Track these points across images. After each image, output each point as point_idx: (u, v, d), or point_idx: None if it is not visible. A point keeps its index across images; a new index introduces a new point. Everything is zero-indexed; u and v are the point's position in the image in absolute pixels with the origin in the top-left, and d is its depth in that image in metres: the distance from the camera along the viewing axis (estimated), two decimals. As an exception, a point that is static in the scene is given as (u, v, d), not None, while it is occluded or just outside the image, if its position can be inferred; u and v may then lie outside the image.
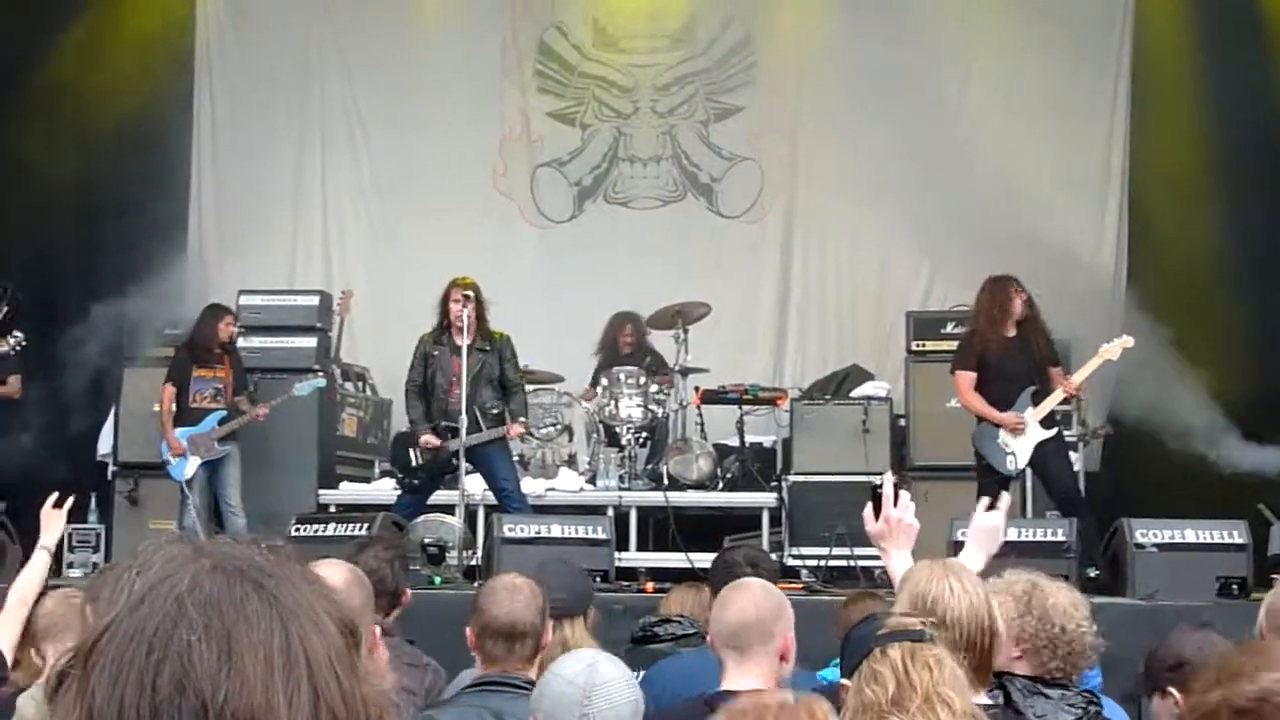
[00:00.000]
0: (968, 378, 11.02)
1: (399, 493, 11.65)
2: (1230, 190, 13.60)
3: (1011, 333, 10.98)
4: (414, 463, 11.26)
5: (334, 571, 4.40)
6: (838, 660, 5.59)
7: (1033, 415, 10.79)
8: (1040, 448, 10.79)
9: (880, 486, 4.18)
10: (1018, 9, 14.94)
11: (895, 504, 4.14)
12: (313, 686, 1.52)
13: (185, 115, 15.41)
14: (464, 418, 10.84)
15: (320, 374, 12.73)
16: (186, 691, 1.48)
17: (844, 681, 3.44)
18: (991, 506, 4.49)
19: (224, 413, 12.05)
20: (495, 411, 11.26)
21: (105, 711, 1.48)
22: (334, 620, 1.57)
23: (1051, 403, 10.82)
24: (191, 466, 11.90)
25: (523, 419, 11.46)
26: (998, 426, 10.85)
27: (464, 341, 10.99)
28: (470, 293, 11.16)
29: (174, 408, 12.07)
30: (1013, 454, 10.74)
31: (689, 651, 5.61)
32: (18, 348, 12.00)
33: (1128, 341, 10.89)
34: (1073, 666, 4.44)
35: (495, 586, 4.84)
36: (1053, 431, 10.85)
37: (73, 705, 1.51)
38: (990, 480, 10.84)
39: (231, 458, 12.08)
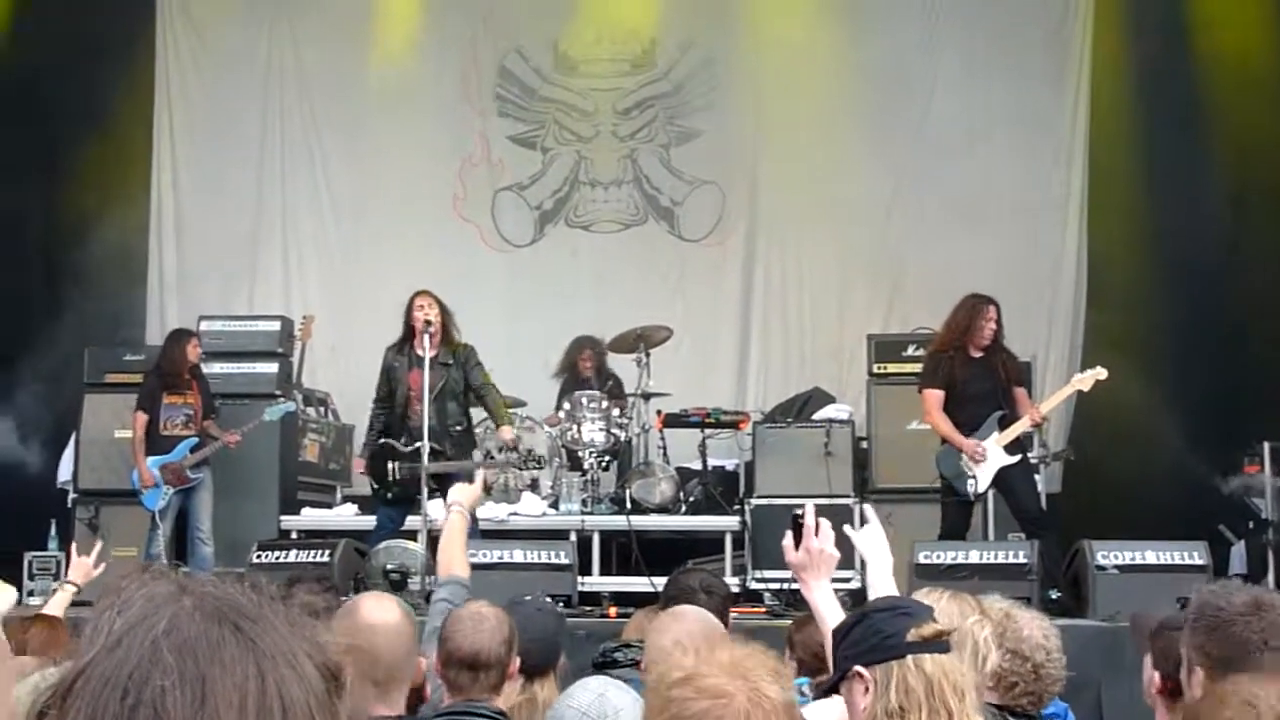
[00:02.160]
0: (935, 396, 10.99)
1: (379, 506, 11.54)
2: (1183, 208, 13.68)
3: (977, 355, 10.98)
4: (391, 477, 11.19)
5: (384, 607, 4.37)
6: (804, 680, 5.60)
7: (997, 440, 10.78)
8: (1005, 470, 10.79)
9: (801, 516, 4.15)
10: (978, 34, 15.01)
11: (817, 534, 4.13)
12: None
13: (145, 141, 15.36)
14: (425, 442, 10.77)
15: (284, 399, 12.66)
16: None
17: (860, 670, 3.37)
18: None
19: (195, 439, 11.98)
20: (459, 429, 11.20)
21: None
22: (315, 664, 1.56)
23: (1017, 430, 10.82)
24: (165, 496, 11.83)
25: (507, 420, 11.34)
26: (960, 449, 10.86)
27: (426, 353, 10.86)
28: (433, 298, 11.11)
29: (144, 435, 11.99)
30: (974, 477, 10.73)
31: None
32: None
33: (1100, 373, 10.89)
34: (1040, 698, 4.45)
35: (461, 615, 4.83)
36: (1016, 458, 10.84)
37: None
38: (951, 501, 10.87)
39: (204, 484, 12.00)
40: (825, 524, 4.12)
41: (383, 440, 11.36)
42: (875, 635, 3.32)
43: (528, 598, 5.98)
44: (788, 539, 4.16)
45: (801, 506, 4.21)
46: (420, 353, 10.98)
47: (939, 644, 3.31)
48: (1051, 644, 4.47)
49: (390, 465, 11.20)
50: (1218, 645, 3.76)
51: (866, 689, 3.29)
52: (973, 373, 10.90)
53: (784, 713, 2.69)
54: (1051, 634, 4.54)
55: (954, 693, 3.28)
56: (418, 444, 10.89)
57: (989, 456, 10.73)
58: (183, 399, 12.08)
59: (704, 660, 2.74)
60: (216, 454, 12.05)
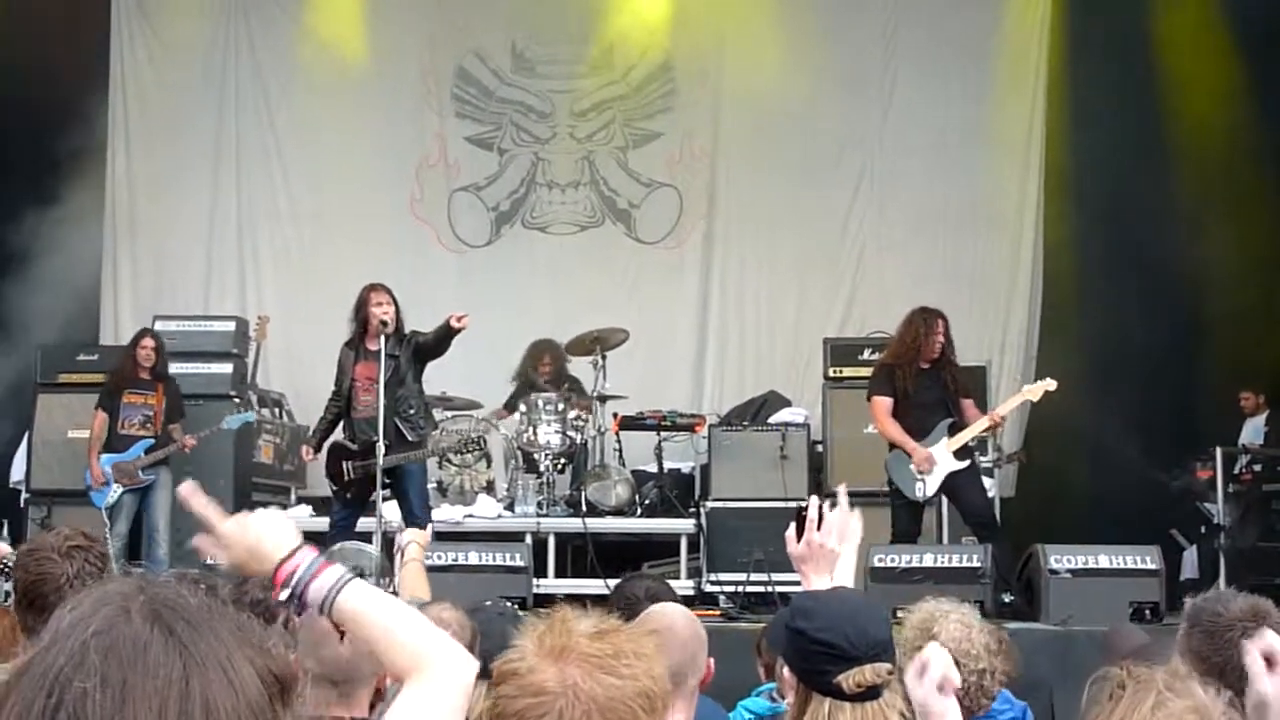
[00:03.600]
0: (884, 404, 11.03)
1: (335, 506, 11.48)
2: (1139, 217, 13.77)
3: (925, 366, 11.02)
4: (347, 475, 11.15)
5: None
6: (761, 689, 5.60)
7: (947, 445, 10.82)
8: (952, 475, 10.83)
9: (806, 509, 4.14)
10: (939, 41, 15.04)
11: (819, 528, 4.12)
12: None
13: (99, 139, 15.27)
14: (381, 438, 10.72)
15: (248, 408, 12.60)
16: None
17: (786, 675, 3.32)
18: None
19: (150, 441, 11.91)
20: (412, 412, 11.09)
21: None
22: (257, 670, 1.56)
23: (970, 434, 10.85)
24: (114, 495, 11.74)
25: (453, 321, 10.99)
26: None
27: (383, 349, 10.76)
28: (388, 293, 11.02)
29: (102, 434, 11.91)
30: (922, 481, 10.76)
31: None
32: None
33: (1050, 384, 10.93)
34: (975, 704, 4.45)
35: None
36: (965, 463, 10.88)
37: None
38: (901, 504, 10.90)
39: (162, 483, 11.89)
40: (829, 517, 4.11)
41: (336, 440, 11.32)
42: (804, 661, 3.26)
43: (488, 603, 5.94)
44: (790, 531, 4.15)
45: (808, 500, 4.19)
46: (373, 347, 10.92)
47: (869, 693, 3.27)
48: (976, 647, 4.48)
49: (345, 465, 11.15)
50: (1215, 650, 3.79)
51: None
52: (921, 383, 10.95)
53: (612, 706, 2.57)
54: (977, 638, 4.55)
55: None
56: (372, 439, 10.82)
57: (938, 462, 10.77)
58: (143, 399, 12.01)
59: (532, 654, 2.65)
60: (173, 456, 11.98)
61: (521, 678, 2.59)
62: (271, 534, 2.60)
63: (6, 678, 1.55)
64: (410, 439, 10.92)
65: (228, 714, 1.52)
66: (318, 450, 11.45)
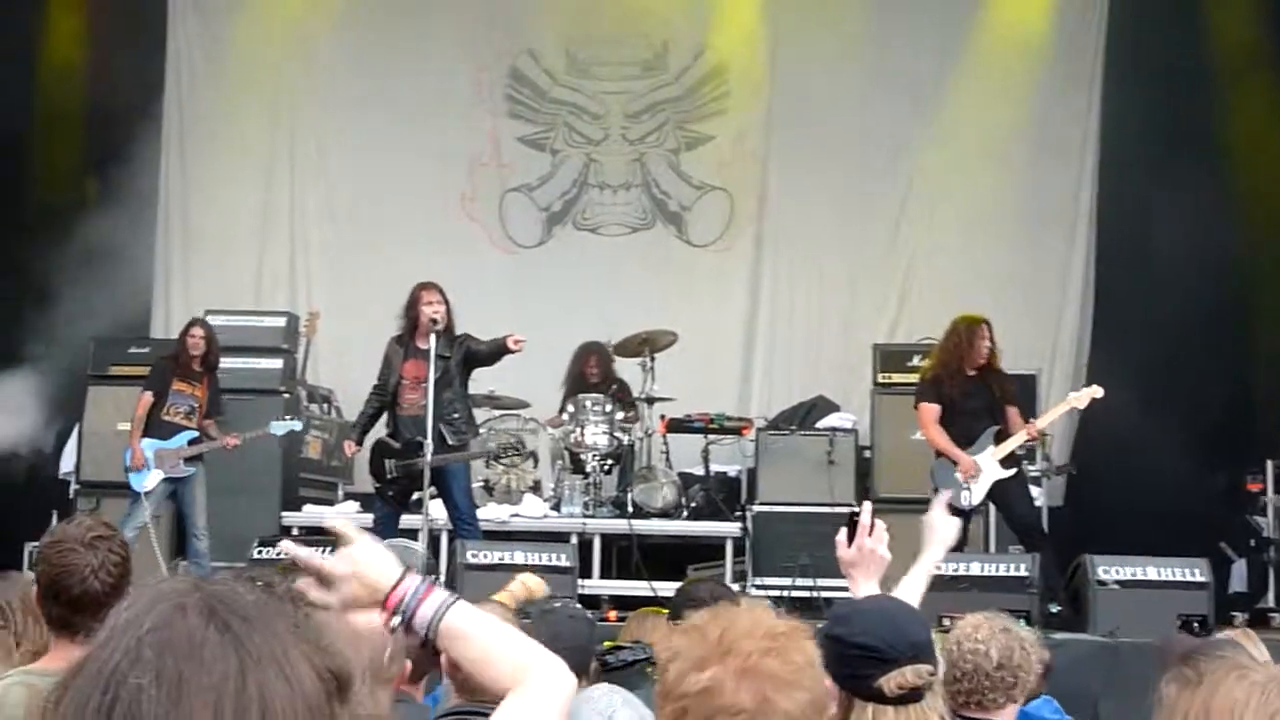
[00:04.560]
0: (931, 410, 11.01)
1: (378, 504, 11.52)
2: (1199, 226, 13.68)
3: (971, 374, 10.98)
4: (389, 474, 11.17)
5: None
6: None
7: (993, 454, 10.78)
8: (999, 483, 10.79)
9: (858, 514, 4.14)
10: (992, 46, 14.97)
11: (871, 534, 4.11)
12: None
13: (153, 136, 15.35)
14: (429, 439, 10.75)
15: (297, 405, 12.56)
16: None
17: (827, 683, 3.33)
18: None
19: (195, 434, 11.92)
20: (456, 416, 11.13)
21: None
22: (314, 667, 1.55)
23: (1013, 445, 10.81)
24: (153, 479, 11.69)
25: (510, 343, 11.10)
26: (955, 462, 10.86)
27: (432, 348, 10.83)
28: (440, 292, 11.09)
29: (145, 416, 11.88)
30: (968, 489, 10.73)
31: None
32: None
33: (1096, 392, 10.88)
34: (991, 702, 4.42)
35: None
36: (1011, 472, 10.84)
37: None
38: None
39: (197, 479, 11.90)
40: (880, 524, 4.11)
41: (380, 439, 11.34)
42: (844, 666, 3.21)
43: (558, 604, 5.94)
44: (841, 534, 4.15)
45: (861, 505, 4.19)
46: (423, 346, 10.95)
47: (911, 695, 3.27)
48: (977, 637, 4.47)
49: (388, 463, 11.18)
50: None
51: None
52: (967, 391, 10.92)
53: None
54: (985, 634, 4.53)
55: None
56: (415, 439, 10.86)
57: (984, 470, 10.73)
58: (191, 389, 12.00)
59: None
60: (212, 453, 11.99)
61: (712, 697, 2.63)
62: (377, 564, 2.58)
63: (64, 674, 1.55)
64: (451, 442, 10.94)
65: (284, 710, 1.51)
66: (359, 444, 11.50)
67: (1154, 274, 13.70)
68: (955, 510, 10.71)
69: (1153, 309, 13.63)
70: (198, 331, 12.14)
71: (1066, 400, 11.18)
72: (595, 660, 5.86)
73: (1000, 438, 10.80)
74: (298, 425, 12.45)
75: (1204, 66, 13.97)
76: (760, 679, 2.63)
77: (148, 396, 11.87)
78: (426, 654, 4.47)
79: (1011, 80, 14.91)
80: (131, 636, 1.52)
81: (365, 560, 2.56)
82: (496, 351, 11.06)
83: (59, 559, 4.00)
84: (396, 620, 2.53)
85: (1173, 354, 13.32)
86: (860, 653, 3.23)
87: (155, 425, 11.82)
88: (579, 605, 6.43)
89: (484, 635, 2.53)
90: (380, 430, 11.54)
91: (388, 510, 11.30)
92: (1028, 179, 14.92)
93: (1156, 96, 14.01)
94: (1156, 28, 14.17)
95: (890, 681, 3.19)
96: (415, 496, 11.13)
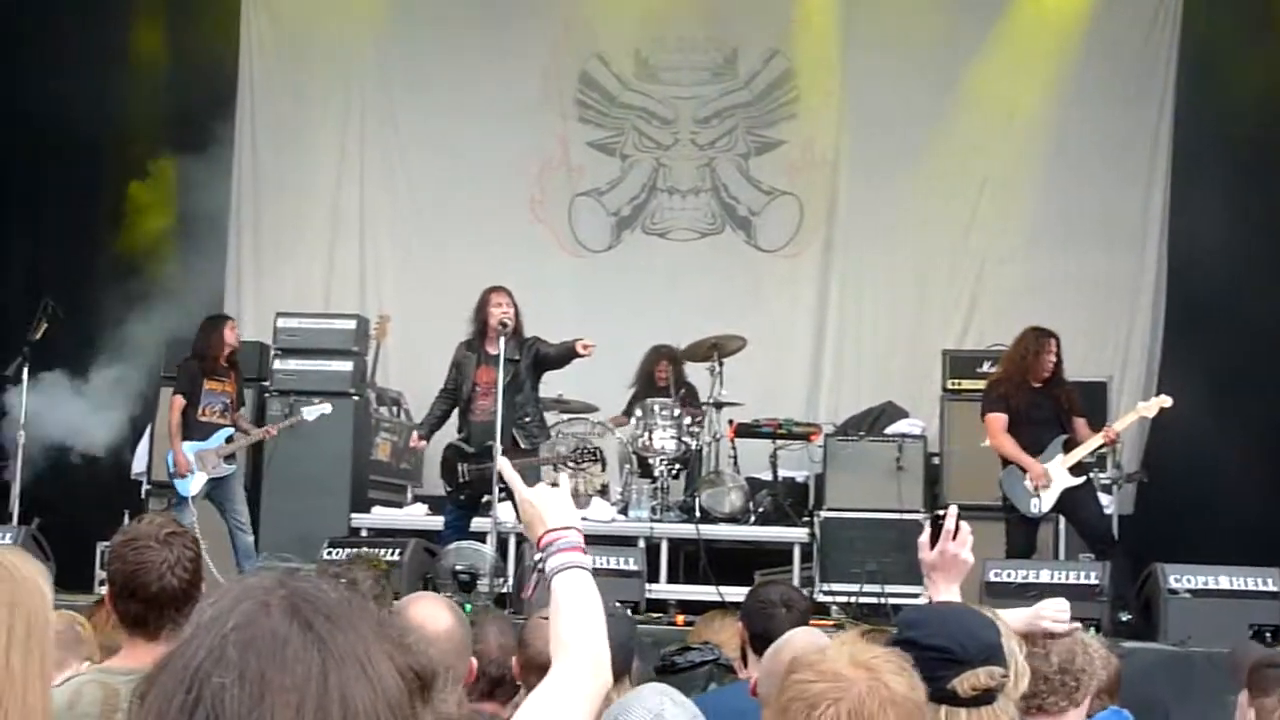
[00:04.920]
0: (999, 420, 10.98)
1: (449, 506, 11.58)
2: (1271, 234, 13.56)
3: (1037, 385, 10.95)
4: (462, 477, 11.21)
5: (434, 610, 4.34)
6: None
7: (1062, 463, 10.73)
8: (1068, 491, 10.74)
9: (942, 517, 4.13)
10: (1062, 52, 14.86)
11: (955, 538, 4.10)
12: None
13: (226, 138, 15.47)
14: (498, 442, 10.78)
15: (324, 401, 12.56)
16: None
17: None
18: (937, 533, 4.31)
19: (231, 430, 11.96)
20: (528, 419, 11.22)
21: None
22: (396, 667, 1.56)
23: (1086, 450, 10.76)
24: (198, 483, 11.72)
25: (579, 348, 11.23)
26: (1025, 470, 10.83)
27: (502, 352, 10.91)
28: (509, 295, 11.20)
29: (182, 420, 11.90)
30: (1037, 497, 10.69)
31: (727, 689, 5.57)
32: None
33: (1165, 401, 10.83)
34: (1052, 705, 4.39)
35: (539, 622, 4.81)
36: (1081, 479, 10.79)
37: None
38: (1015, 520, 10.83)
39: (235, 475, 11.99)
40: (965, 528, 4.09)
41: (453, 443, 11.40)
42: (919, 669, 3.07)
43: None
44: (924, 536, 4.14)
45: (946, 509, 4.18)
46: (493, 350, 11.01)
47: (984, 697, 3.25)
48: (1049, 647, 4.44)
49: (460, 467, 11.22)
50: None
51: None
52: (1033, 401, 10.89)
53: (907, 707, 2.66)
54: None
55: None
56: (487, 444, 10.91)
57: (1054, 478, 10.69)
58: (221, 386, 12.02)
59: (830, 651, 2.77)
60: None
61: (817, 666, 2.70)
62: (553, 508, 2.90)
63: (149, 671, 1.57)
64: (524, 446, 11.01)
65: (366, 710, 1.52)
66: (427, 439, 11.57)
67: (1226, 282, 13.58)
68: (1025, 519, 10.74)
69: (1224, 317, 13.51)
70: (233, 328, 12.20)
71: (1136, 409, 11.13)
72: (662, 660, 5.87)
73: (1069, 446, 10.75)
74: (328, 409, 12.38)
75: (1277, 74, 13.83)
76: None
77: (180, 399, 11.85)
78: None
79: (1084, 88, 14.81)
80: (216, 634, 1.53)
81: (545, 500, 2.91)
82: (565, 355, 11.15)
83: (135, 556, 4.00)
84: (537, 557, 2.84)
85: (1244, 362, 13.19)
86: (934, 654, 3.22)
87: (191, 426, 11.82)
88: (619, 605, 6.43)
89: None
90: (449, 433, 11.60)
91: (458, 513, 11.36)
92: (1099, 186, 14.81)
93: (1228, 105, 13.90)
94: (1228, 35, 14.06)
95: (964, 683, 3.19)
96: (485, 499, 11.18)
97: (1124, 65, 14.90)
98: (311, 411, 12.17)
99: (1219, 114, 14.00)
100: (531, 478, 11.02)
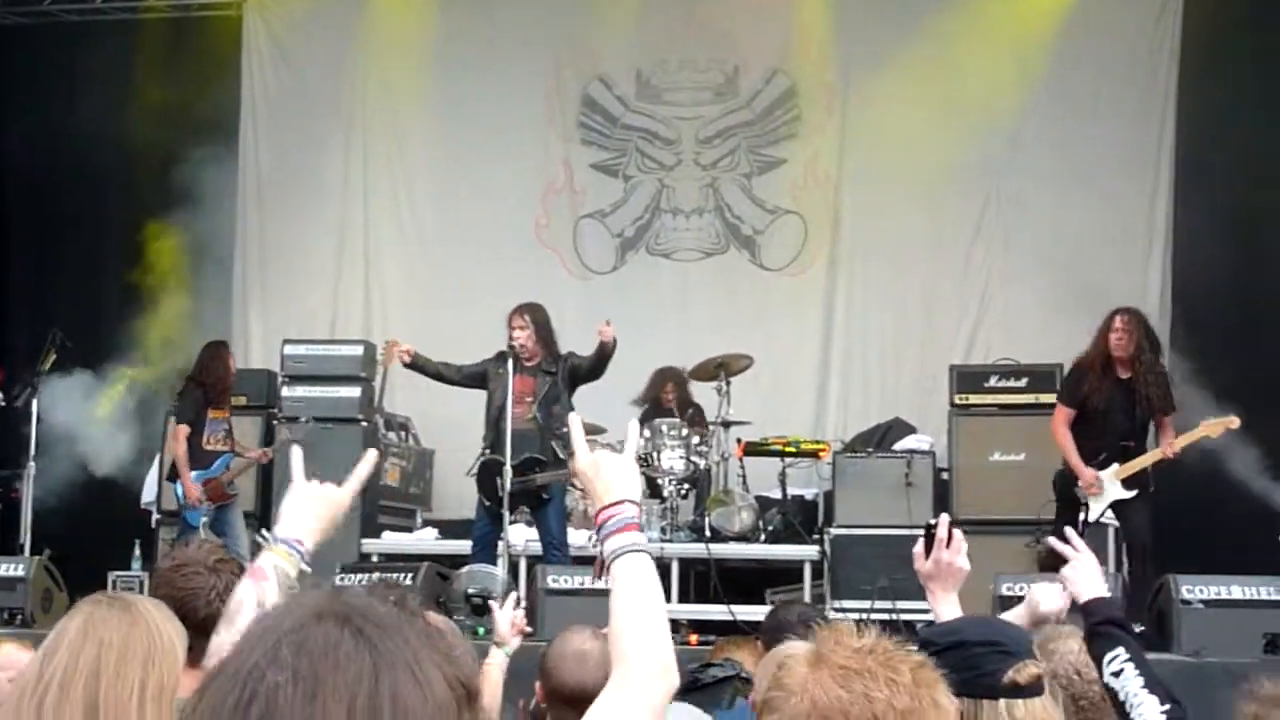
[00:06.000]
0: (1065, 413, 10.99)
1: (481, 516, 11.55)
2: (1272, 246, 13.57)
3: (1124, 375, 10.89)
4: (500, 490, 11.23)
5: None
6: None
7: (1116, 473, 10.71)
8: (1121, 503, 10.72)
9: (935, 526, 4.13)
10: (1066, 67, 14.84)
11: (949, 545, 4.10)
12: None
13: (230, 164, 15.51)
14: (507, 459, 10.82)
15: (306, 420, 12.53)
16: None
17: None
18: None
19: (231, 456, 11.98)
20: (564, 430, 11.30)
21: None
22: (445, 676, 1.59)
23: (1143, 463, 10.74)
24: (208, 512, 11.79)
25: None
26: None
27: (509, 371, 11.14)
28: (526, 316, 11.26)
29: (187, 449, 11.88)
30: (1085, 504, 10.68)
31: (743, 708, 5.58)
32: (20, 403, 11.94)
33: (1233, 421, 10.82)
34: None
35: (564, 652, 4.82)
36: (1134, 492, 10.77)
37: None
38: (1064, 523, 10.81)
39: (235, 504, 12.02)
40: (958, 535, 4.10)
41: (490, 456, 11.40)
42: (969, 669, 3.17)
43: None
44: (918, 547, 4.14)
45: (937, 517, 4.19)
46: (527, 363, 11.17)
47: (1034, 687, 3.25)
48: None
49: (498, 480, 11.24)
50: None
51: None
52: (1109, 399, 10.82)
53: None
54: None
55: None
56: (527, 454, 10.99)
57: (1105, 489, 10.66)
58: (222, 414, 12.06)
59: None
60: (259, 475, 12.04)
61: (780, 673, 2.65)
62: (612, 479, 2.82)
63: (202, 679, 1.61)
64: (562, 458, 11.10)
65: (416, 713, 1.55)
66: (414, 359, 11.67)
67: (1234, 292, 13.59)
68: (1073, 522, 10.71)
69: (1234, 328, 13.52)
70: (232, 355, 12.24)
71: (1200, 427, 11.05)
72: (689, 677, 5.87)
73: (1127, 455, 10.71)
74: (307, 426, 12.34)
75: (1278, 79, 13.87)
76: None
77: (184, 429, 11.85)
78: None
79: (1087, 99, 14.81)
80: (270, 638, 1.57)
81: (604, 469, 2.83)
82: (598, 359, 11.29)
83: (184, 582, 4.02)
84: (595, 534, 2.76)
85: (1255, 371, 13.19)
86: (987, 649, 3.25)
87: (197, 455, 11.83)
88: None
89: (634, 597, 2.63)
90: (455, 463, 11.64)
91: (490, 528, 11.36)
92: (1103, 198, 14.79)
93: (1231, 110, 13.92)
94: (1230, 37, 14.10)
95: (1021, 672, 3.21)
96: (514, 516, 11.27)
97: (1128, 79, 14.90)
98: (298, 430, 12.10)
99: (1222, 120, 14.01)
100: (558, 493, 11.19)
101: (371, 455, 3.50)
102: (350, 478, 3.20)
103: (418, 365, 11.79)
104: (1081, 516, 10.66)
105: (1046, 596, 4.40)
